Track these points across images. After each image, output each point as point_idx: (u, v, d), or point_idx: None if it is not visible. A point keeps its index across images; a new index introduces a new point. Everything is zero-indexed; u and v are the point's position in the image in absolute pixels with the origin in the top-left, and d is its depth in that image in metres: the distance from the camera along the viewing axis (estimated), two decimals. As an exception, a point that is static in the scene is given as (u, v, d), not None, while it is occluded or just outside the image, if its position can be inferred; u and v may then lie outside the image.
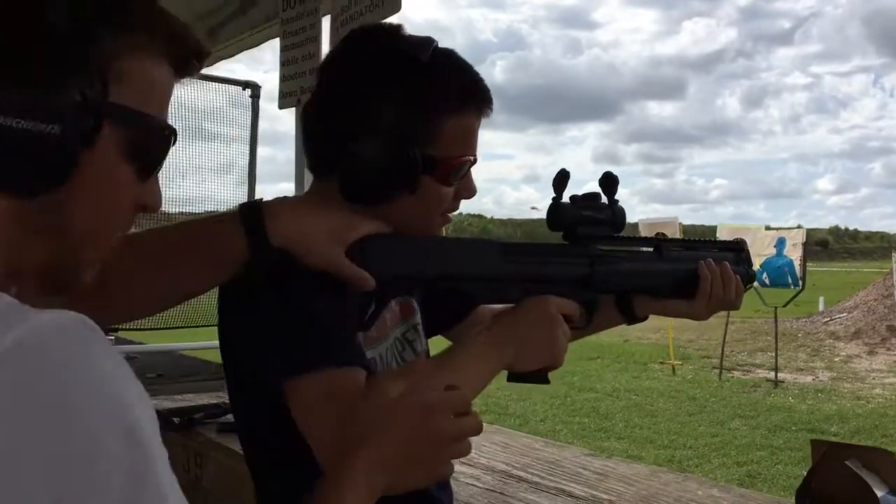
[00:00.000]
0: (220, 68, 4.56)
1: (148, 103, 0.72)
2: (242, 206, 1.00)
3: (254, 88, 4.43)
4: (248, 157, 4.46)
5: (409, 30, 1.05)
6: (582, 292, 1.11)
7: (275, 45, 4.10)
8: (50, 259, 0.68)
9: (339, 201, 1.02)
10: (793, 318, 15.08)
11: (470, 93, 1.06)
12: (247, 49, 4.65)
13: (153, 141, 0.73)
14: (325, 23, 3.54)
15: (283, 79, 3.80)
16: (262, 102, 4.47)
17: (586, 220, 1.12)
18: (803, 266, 10.00)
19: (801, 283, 9.94)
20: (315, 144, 1.07)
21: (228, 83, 4.42)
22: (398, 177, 1.00)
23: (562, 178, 1.11)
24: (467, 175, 1.09)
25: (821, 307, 16.99)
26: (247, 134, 4.47)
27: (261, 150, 4.53)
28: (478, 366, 1.00)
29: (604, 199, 1.13)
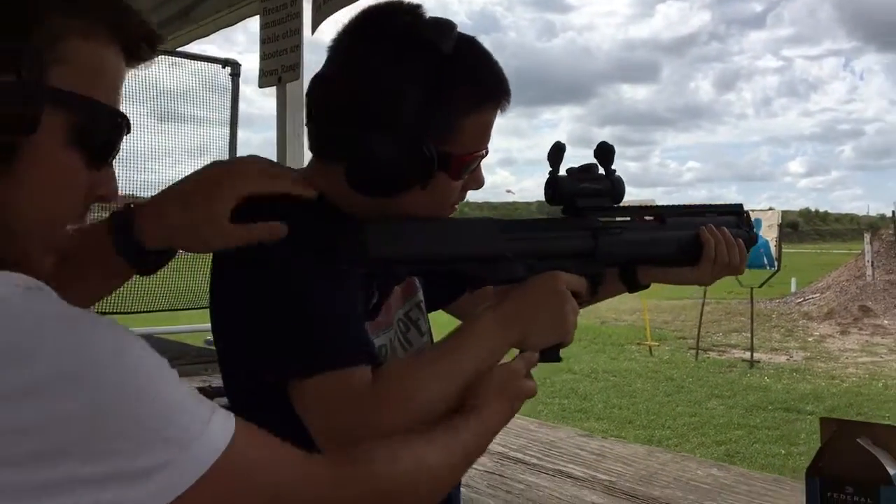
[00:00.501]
0: (192, 49, 4.46)
1: (95, 88, 0.69)
2: (113, 214, 0.95)
3: (234, 66, 4.35)
4: (227, 139, 4.38)
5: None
6: (587, 265, 1.09)
7: (248, 24, 4.03)
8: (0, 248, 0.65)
9: (341, 187, 0.97)
10: (766, 298, 15.22)
11: (492, 89, 1.01)
12: (223, 28, 4.56)
13: (102, 127, 0.71)
14: (307, -1, 3.48)
15: (263, 57, 3.73)
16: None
17: (585, 192, 1.09)
18: (779, 247, 10.08)
19: (776, 263, 10.02)
20: (321, 127, 1.01)
21: (207, 61, 4.33)
22: (411, 174, 0.96)
23: (557, 151, 1.07)
24: (477, 167, 1.05)
25: (793, 288, 17.18)
26: (225, 115, 4.38)
27: (227, 132, 4.45)
28: (486, 346, 0.97)
29: (600, 170, 1.10)
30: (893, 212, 9.90)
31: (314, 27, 3.45)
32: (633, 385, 8.91)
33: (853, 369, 9.88)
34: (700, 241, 1.21)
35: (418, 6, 0.98)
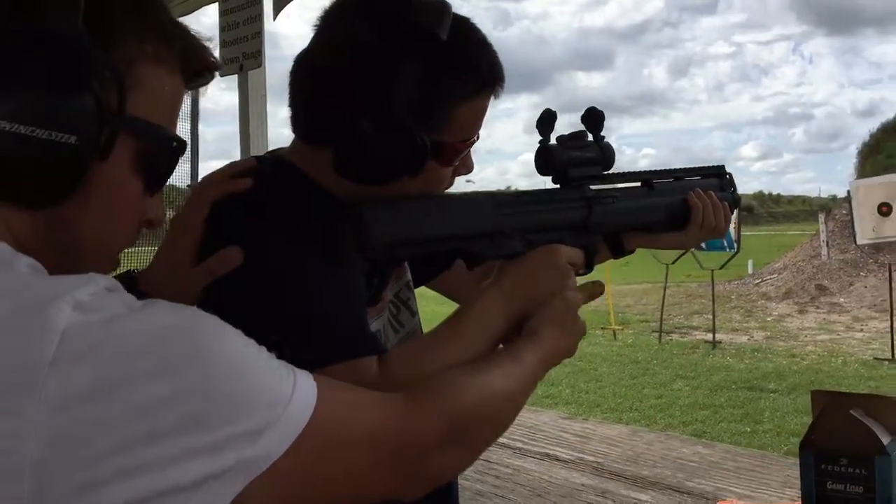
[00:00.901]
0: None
1: (161, 114, 0.70)
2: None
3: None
4: (188, 134, 4.29)
5: None
6: (582, 236, 1.07)
7: (205, 13, 3.94)
8: (60, 272, 0.64)
9: (327, 170, 0.94)
10: (725, 280, 15.44)
11: (487, 76, 0.98)
12: (180, 16, 4.47)
13: (165, 154, 0.72)
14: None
15: (223, 45, 3.65)
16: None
17: (577, 160, 1.07)
18: (738, 229, 10.22)
19: (736, 245, 10.17)
20: (307, 109, 0.97)
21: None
22: (402, 163, 0.92)
23: (547, 119, 1.04)
24: (467, 153, 1.02)
25: (750, 270, 17.46)
26: (185, 108, 4.29)
27: (188, 127, 4.37)
28: (489, 325, 0.95)
29: (589, 136, 1.08)
30: (848, 191, 10.08)
31: (276, 13, 3.39)
32: (599, 369, 8.98)
33: (812, 347, 10.07)
34: (688, 206, 1.22)
35: None
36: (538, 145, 1.06)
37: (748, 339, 10.84)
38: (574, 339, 0.96)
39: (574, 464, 1.61)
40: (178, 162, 0.74)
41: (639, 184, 1.22)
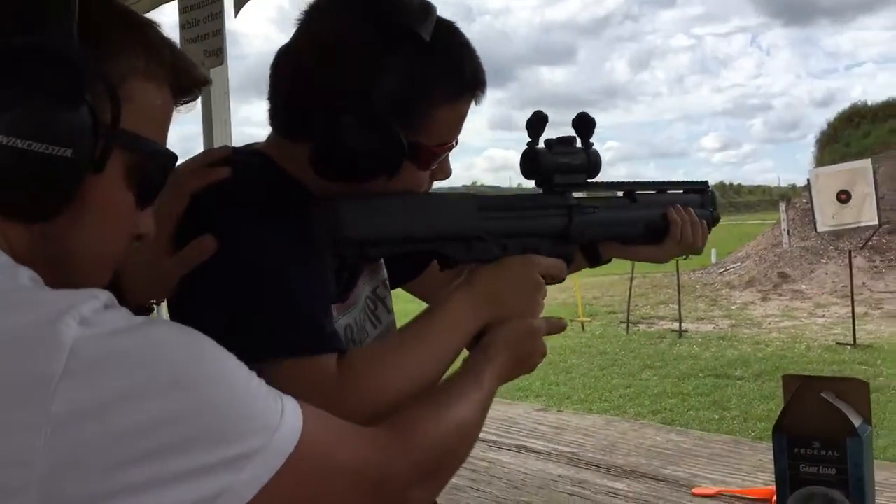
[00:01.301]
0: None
1: (151, 129, 0.71)
2: None
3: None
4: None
5: None
6: (559, 245, 1.07)
7: (163, 11, 3.87)
8: (53, 285, 0.64)
9: (304, 165, 0.92)
10: (689, 270, 15.63)
11: (469, 81, 0.97)
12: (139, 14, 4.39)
13: (157, 168, 0.73)
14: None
15: (183, 43, 3.60)
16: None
17: (564, 167, 1.07)
18: (701, 219, 10.34)
19: (700, 235, 10.29)
20: (287, 103, 0.96)
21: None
22: (379, 164, 0.91)
23: (538, 122, 1.04)
24: (445, 157, 1.02)
25: (713, 259, 17.69)
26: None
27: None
28: (456, 330, 0.95)
29: (578, 143, 1.08)
30: (808, 180, 10.26)
31: (237, 10, 3.35)
32: (569, 361, 9.04)
33: (776, 334, 10.25)
34: (667, 221, 1.23)
35: None
36: (526, 147, 1.05)
37: (713, 328, 10.99)
38: (532, 361, 0.98)
39: (549, 455, 1.62)
40: (167, 175, 0.75)
41: (621, 193, 1.22)
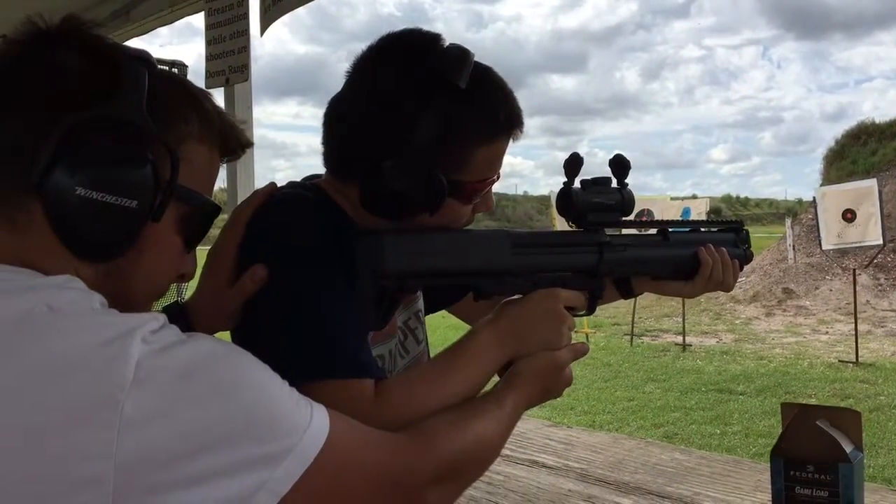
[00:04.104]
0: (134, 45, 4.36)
1: (200, 184, 0.84)
2: (165, 308, 1.06)
3: (180, 68, 4.28)
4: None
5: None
6: (588, 281, 1.12)
7: (185, 23, 3.96)
8: None
9: (354, 202, 1.02)
10: (695, 283, 15.66)
11: (504, 123, 1.04)
12: (162, 26, 4.50)
13: (204, 219, 0.86)
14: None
15: (209, 58, 3.70)
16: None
17: (597, 206, 1.12)
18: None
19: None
20: (336, 147, 1.06)
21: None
22: (421, 202, 0.99)
23: (574, 163, 1.09)
24: (488, 191, 1.08)
25: (719, 272, 17.70)
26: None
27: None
28: (481, 364, 1.01)
29: (614, 182, 1.13)
30: (814, 197, 10.31)
31: (263, 29, 3.45)
32: (573, 372, 9.05)
33: (779, 350, 10.28)
34: (698, 260, 1.26)
35: (437, 36, 1.02)
36: (562, 186, 1.11)
37: (717, 342, 11.03)
38: (558, 389, 1.06)
39: (560, 470, 1.71)
40: (212, 224, 0.88)
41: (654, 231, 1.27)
